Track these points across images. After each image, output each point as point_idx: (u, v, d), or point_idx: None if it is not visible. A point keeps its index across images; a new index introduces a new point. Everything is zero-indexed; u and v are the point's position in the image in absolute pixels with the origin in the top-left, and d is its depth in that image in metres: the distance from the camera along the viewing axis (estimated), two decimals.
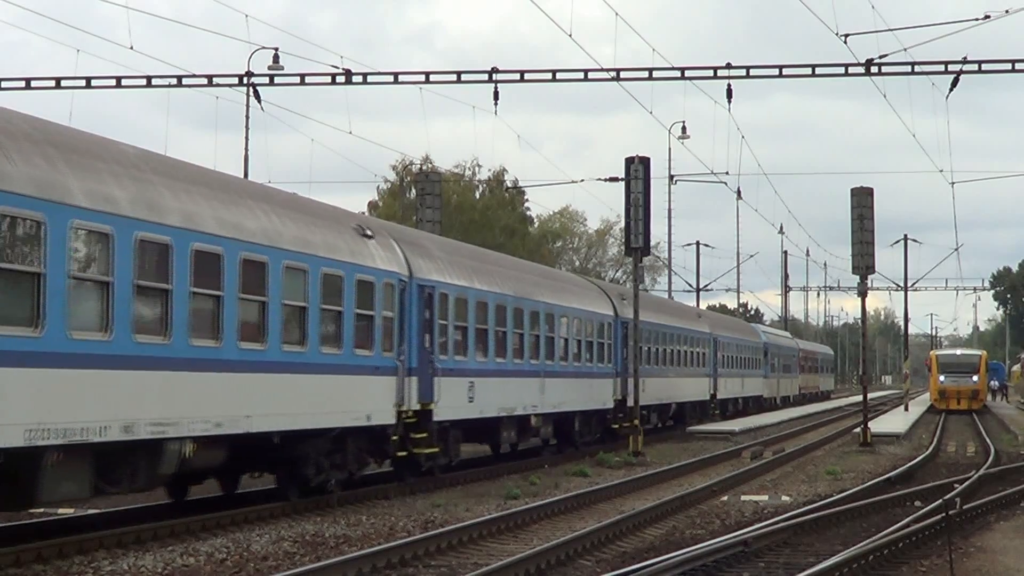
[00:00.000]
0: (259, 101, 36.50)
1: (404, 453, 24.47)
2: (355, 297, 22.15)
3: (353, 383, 22.16)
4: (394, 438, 23.83)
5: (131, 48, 33.31)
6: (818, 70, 33.48)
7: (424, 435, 24.94)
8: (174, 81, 34.53)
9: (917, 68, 32.75)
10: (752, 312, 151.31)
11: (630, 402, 37.61)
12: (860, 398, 44.64)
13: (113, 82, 34.06)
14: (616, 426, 38.08)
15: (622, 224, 47.46)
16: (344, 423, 21.86)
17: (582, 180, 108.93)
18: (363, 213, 64.25)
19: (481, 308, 28.21)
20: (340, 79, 33.81)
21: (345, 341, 21.83)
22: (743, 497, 24.68)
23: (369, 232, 23.56)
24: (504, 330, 29.57)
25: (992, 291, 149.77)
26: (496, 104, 33.69)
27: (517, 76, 34.12)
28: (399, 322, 23.87)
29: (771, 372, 70.86)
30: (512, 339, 30.10)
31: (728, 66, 33.43)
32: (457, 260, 28.14)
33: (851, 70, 33.14)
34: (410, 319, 24.40)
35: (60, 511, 20.17)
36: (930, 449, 37.55)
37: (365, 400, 22.56)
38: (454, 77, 34.36)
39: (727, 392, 57.46)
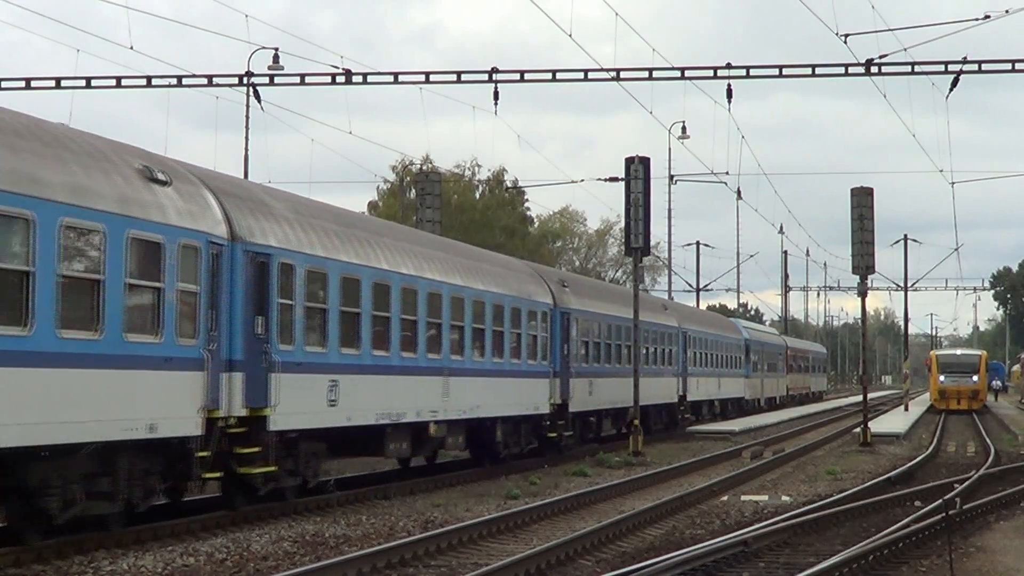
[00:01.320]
0: (259, 101, 36.56)
1: (219, 474, 19.04)
2: (129, 262, 16.27)
3: (119, 380, 16.14)
4: (202, 454, 18.01)
5: (131, 48, 33.34)
6: (818, 70, 33.49)
7: (256, 449, 19.47)
8: (174, 81, 34.54)
9: (917, 68, 32.76)
10: (752, 312, 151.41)
11: (573, 407, 33.92)
12: (858, 398, 44.63)
13: (113, 82, 34.07)
14: (553, 435, 32.80)
15: (622, 224, 47.17)
16: (109, 436, 16.03)
17: (582, 180, 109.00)
18: (363, 213, 64.27)
19: (351, 287, 22.37)
20: (340, 79, 33.82)
21: (108, 323, 15.83)
22: (743, 497, 24.67)
23: (162, 176, 17.65)
24: (387, 315, 23.54)
25: (992, 291, 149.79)
26: (496, 104, 33.75)
27: (517, 76, 34.14)
28: (209, 298, 18.06)
29: (753, 371, 65.24)
30: (400, 328, 24.06)
31: (728, 66, 33.44)
32: (316, 224, 22.11)
33: (851, 70, 33.16)
34: (231, 295, 18.75)
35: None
36: (930, 449, 37.55)
37: (146, 403, 16.58)
38: (454, 77, 34.38)
39: (700, 394, 51.69)
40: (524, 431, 31.58)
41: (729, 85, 33.65)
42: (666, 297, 71.42)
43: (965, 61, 32.60)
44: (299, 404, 20.46)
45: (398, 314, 24.07)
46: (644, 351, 41.14)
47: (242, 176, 43.21)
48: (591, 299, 37.67)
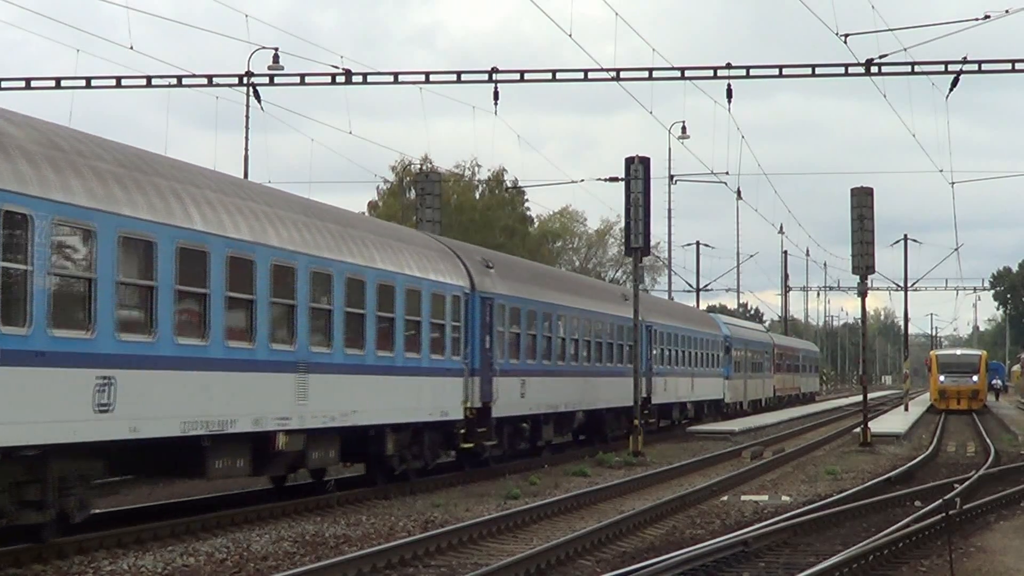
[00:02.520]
0: (259, 101, 36.54)
1: None
2: None
3: None
4: None
5: (131, 48, 33.30)
6: (818, 70, 33.49)
7: None
8: (174, 81, 34.53)
9: (917, 68, 32.76)
10: (752, 312, 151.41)
11: (498, 411, 28.61)
12: (857, 398, 44.61)
13: (113, 82, 34.07)
14: (469, 445, 27.45)
15: (622, 224, 47.01)
16: None
17: (582, 180, 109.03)
18: (363, 213, 64.28)
19: (133, 250, 16.49)
20: (340, 79, 33.82)
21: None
22: (743, 497, 24.67)
23: None
24: (203, 292, 17.87)
25: (992, 291, 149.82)
26: (496, 104, 33.74)
27: (517, 76, 34.13)
28: None
29: (735, 371, 59.95)
30: (224, 308, 18.38)
31: (728, 66, 33.44)
32: (85, 162, 16.25)
33: (851, 70, 33.15)
34: None
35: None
36: (930, 449, 37.55)
37: None
38: (454, 77, 34.37)
39: (669, 395, 45.67)
40: (430, 441, 25.92)
41: (729, 85, 33.66)
42: (666, 297, 71.32)
43: (965, 61, 32.61)
44: (50, 410, 14.96)
45: (222, 291, 18.32)
46: (596, 346, 37.00)
47: (242, 176, 43.19)
48: (525, 283, 31.98)
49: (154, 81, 34.09)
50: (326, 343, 21.29)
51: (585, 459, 32.93)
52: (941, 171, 76.95)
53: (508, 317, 29.81)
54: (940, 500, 18.97)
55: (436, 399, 25.75)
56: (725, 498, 24.52)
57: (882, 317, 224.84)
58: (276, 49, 39.20)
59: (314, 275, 20.87)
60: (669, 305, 57.53)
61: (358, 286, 22.38)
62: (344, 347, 21.82)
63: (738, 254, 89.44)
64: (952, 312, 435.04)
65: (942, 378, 72.49)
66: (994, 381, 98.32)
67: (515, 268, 33.54)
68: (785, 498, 24.67)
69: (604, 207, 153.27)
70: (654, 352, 43.61)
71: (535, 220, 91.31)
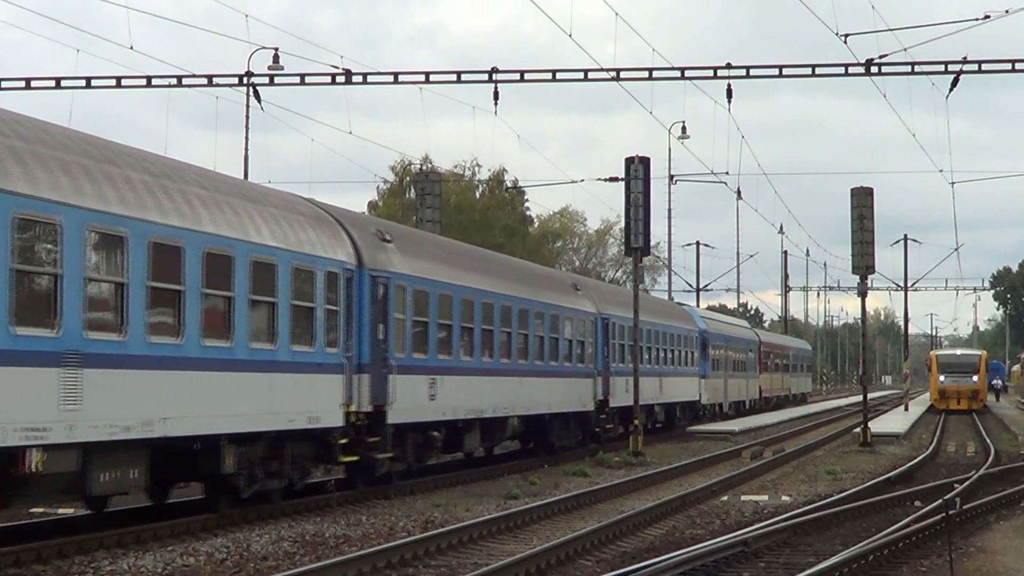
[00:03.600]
0: (259, 101, 36.55)
1: None
2: None
3: None
4: None
5: (131, 48, 33.31)
6: (818, 70, 33.51)
7: None
8: (174, 81, 34.54)
9: (917, 68, 32.77)
10: (752, 312, 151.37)
11: (396, 417, 23.63)
12: (857, 399, 44.59)
13: (113, 82, 34.07)
14: (351, 458, 22.35)
15: (622, 224, 46.82)
16: None
17: (582, 180, 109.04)
18: (364, 214, 64.27)
19: None
20: (340, 79, 33.83)
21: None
22: (743, 497, 24.67)
23: None
24: None
25: (992, 291, 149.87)
26: (496, 104, 33.75)
27: (517, 76, 34.14)
28: None
29: (713, 370, 53.89)
30: None
31: (728, 66, 33.45)
32: None
33: (851, 70, 33.17)
34: None
35: (60, 511, 20.17)
36: (930, 449, 37.54)
37: None
38: (454, 77, 34.39)
39: (630, 397, 37.40)
40: (295, 454, 20.98)
41: (729, 85, 33.69)
42: (666, 297, 71.11)
43: (965, 61, 32.62)
44: None
45: None
46: (536, 340, 31.57)
47: (242, 176, 43.18)
48: (437, 263, 26.66)
49: (154, 81, 34.11)
50: (116, 328, 16.17)
51: (585, 459, 32.92)
52: (941, 171, 76.89)
53: (411, 302, 24.50)
54: (940, 500, 18.95)
55: (302, 401, 20.64)
56: (725, 498, 24.52)
57: (882, 317, 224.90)
58: (276, 49, 39.25)
59: (102, 238, 15.98)
60: (631, 295, 45.26)
61: (175, 253, 17.30)
62: (147, 334, 16.68)
63: (738, 254, 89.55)
64: (952, 312, 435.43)
65: (942, 378, 72.50)
66: (995, 381, 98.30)
67: (425, 244, 28.21)
68: (785, 498, 24.66)
69: (604, 207, 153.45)
70: (612, 348, 37.76)
71: (535, 220, 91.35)
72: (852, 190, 40.26)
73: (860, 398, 44.60)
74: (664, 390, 44.65)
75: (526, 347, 31.09)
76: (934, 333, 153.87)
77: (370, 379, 22.67)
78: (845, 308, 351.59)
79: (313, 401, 20.95)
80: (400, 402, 23.80)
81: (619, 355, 38.79)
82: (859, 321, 69.53)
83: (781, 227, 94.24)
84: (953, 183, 64.60)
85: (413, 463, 25.21)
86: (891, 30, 33.20)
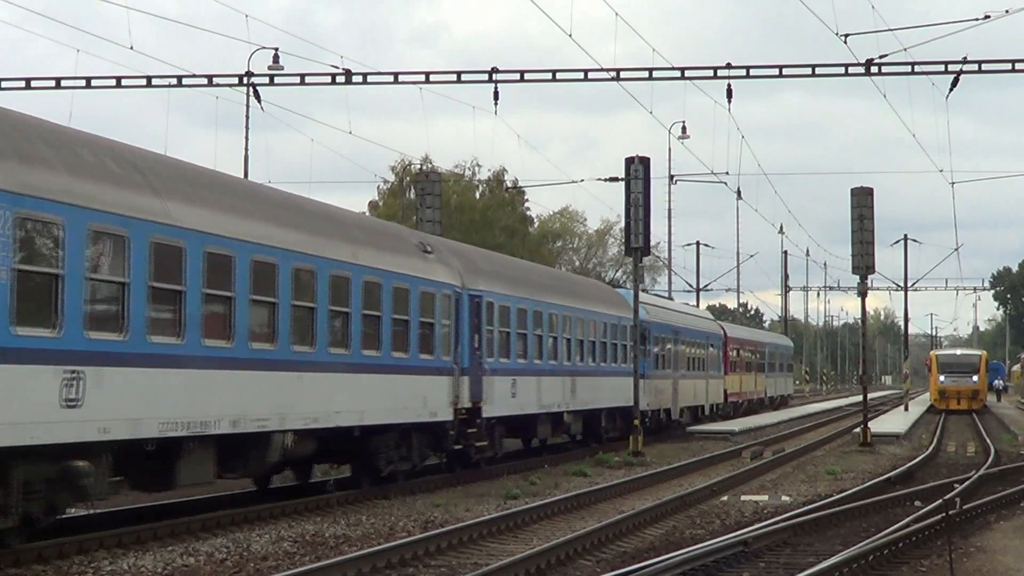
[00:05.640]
0: (259, 101, 36.53)
1: None
2: None
3: None
4: None
5: (131, 48, 33.31)
6: (818, 70, 33.50)
7: None
8: (174, 81, 34.53)
9: (917, 68, 32.77)
10: (752, 312, 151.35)
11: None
12: (857, 399, 44.60)
13: (113, 82, 34.07)
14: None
15: (622, 224, 46.48)
16: None
17: (582, 180, 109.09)
18: (364, 214, 64.29)
19: None
20: (340, 79, 33.82)
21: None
22: (743, 497, 24.67)
23: None
24: None
25: (992, 291, 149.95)
26: (496, 104, 33.75)
27: (517, 76, 34.14)
28: None
29: (657, 368, 43.60)
30: None
31: (728, 66, 33.45)
32: None
33: (851, 70, 33.17)
34: None
35: (69, 510, 20.14)
36: (930, 449, 37.55)
37: None
38: (454, 77, 34.38)
39: (516, 404, 30.01)
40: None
41: (729, 85, 33.68)
42: (666, 297, 70.72)
43: (965, 61, 32.62)
44: None
45: None
46: (332, 325, 21.84)
47: (242, 175, 43.19)
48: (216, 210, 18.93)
49: (154, 81, 34.11)
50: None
51: (585, 459, 32.92)
52: (941, 171, 77.26)
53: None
54: (940, 500, 18.97)
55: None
56: (725, 498, 24.52)
57: (882, 317, 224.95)
58: (276, 49, 39.23)
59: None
60: (524, 267, 36.92)
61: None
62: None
63: (738, 254, 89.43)
64: (952, 312, 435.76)
65: (942, 378, 72.54)
66: (996, 382, 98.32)
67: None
68: (785, 498, 24.66)
69: (604, 207, 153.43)
70: (483, 335, 28.00)
71: (535, 220, 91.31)
72: (852, 190, 40.27)
73: (860, 398, 44.60)
74: (577, 393, 34.70)
75: (310, 328, 21.00)
76: (934, 333, 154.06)
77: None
78: (845, 308, 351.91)
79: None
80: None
81: (500, 346, 28.97)
82: (859, 321, 69.23)
83: (781, 227, 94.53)
84: (953, 183, 64.96)
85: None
86: (891, 30, 33.27)
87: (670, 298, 69.33)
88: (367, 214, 69.66)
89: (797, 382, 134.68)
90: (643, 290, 49.47)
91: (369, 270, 22.88)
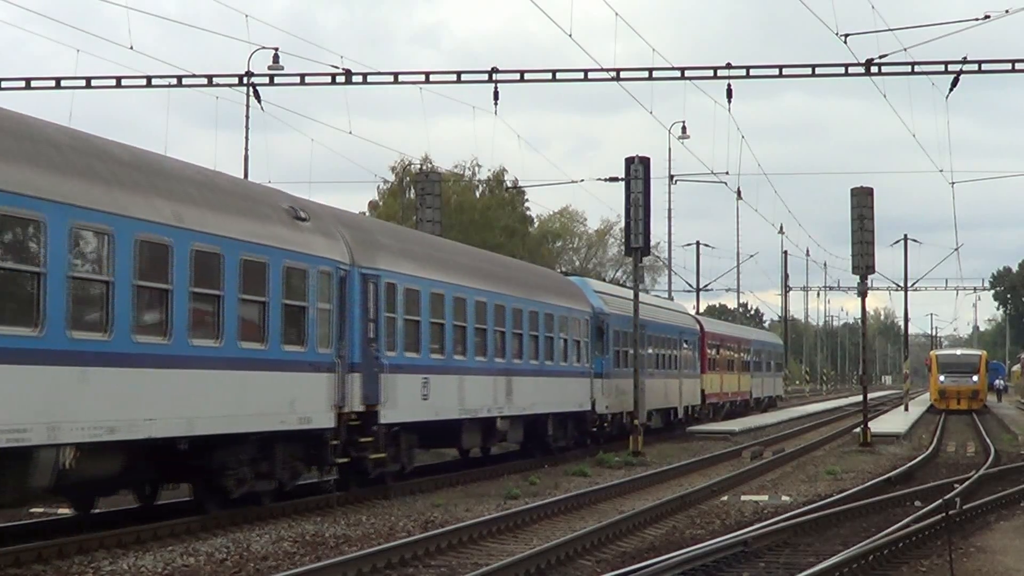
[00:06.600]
0: (259, 101, 36.55)
1: None
2: None
3: None
4: None
5: (131, 48, 33.31)
6: (818, 70, 33.52)
7: None
8: (174, 81, 34.54)
9: (917, 68, 32.78)
10: (752, 311, 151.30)
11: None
12: (857, 399, 44.58)
13: (113, 82, 34.08)
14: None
15: (622, 224, 46.36)
16: None
17: (582, 180, 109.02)
18: (364, 214, 64.28)
19: None
20: (340, 79, 33.84)
21: None
22: (743, 497, 24.67)
23: None
24: None
25: (992, 291, 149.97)
26: (496, 104, 33.76)
27: (517, 76, 34.15)
28: None
29: (619, 367, 38.50)
30: None
31: (728, 66, 33.46)
32: None
33: (851, 70, 33.17)
34: None
35: (60, 511, 20.17)
36: (930, 449, 37.55)
37: None
38: (454, 77, 34.40)
39: (437, 406, 25.66)
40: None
41: (729, 85, 33.71)
42: (666, 298, 70.67)
43: (965, 61, 32.63)
44: None
45: None
46: (140, 306, 17.16)
47: (242, 175, 43.17)
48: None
49: (154, 81, 34.13)
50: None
51: (585, 459, 32.92)
52: (941, 171, 77.12)
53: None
54: (940, 500, 18.96)
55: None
56: (725, 498, 24.51)
57: (882, 317, 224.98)
58: (276, 49, 39.23)
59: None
60: (441, 245, 30.41)
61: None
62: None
63: (738, 254, 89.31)
64: (952, 312, 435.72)
65: (942, 378, 72.57)
66: (996, 382, 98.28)
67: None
68: (785, 498, 24.66)
69: (604, 207, 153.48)
70: (380, 325, 23.31)
71: (535, 220, 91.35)
72: (852, 190, 40.27)
73: (860, 398, 44.60)
74: (517, 396, 30.09)
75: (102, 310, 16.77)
76: (934, 333, 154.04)
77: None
78: (845, 308, 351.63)
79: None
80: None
81: (406, 338, 24.51)
82: (859, 321, 69.09)
83: (781, 227, 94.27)
84: (953, 183, 64.99)
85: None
86: (891, 30, 33.26)
87: (670, 298, 69.38)
88: (367, 214, 69.69)
89: (797, 382, 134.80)
90: (643, 290, 48.53)
91: (202, 236, 17.87)
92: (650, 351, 42.38)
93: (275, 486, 20.46)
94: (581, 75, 34.39)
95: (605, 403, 36.89)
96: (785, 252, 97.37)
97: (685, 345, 48.78)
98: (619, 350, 38.84)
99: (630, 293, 39.24)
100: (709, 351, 53.85)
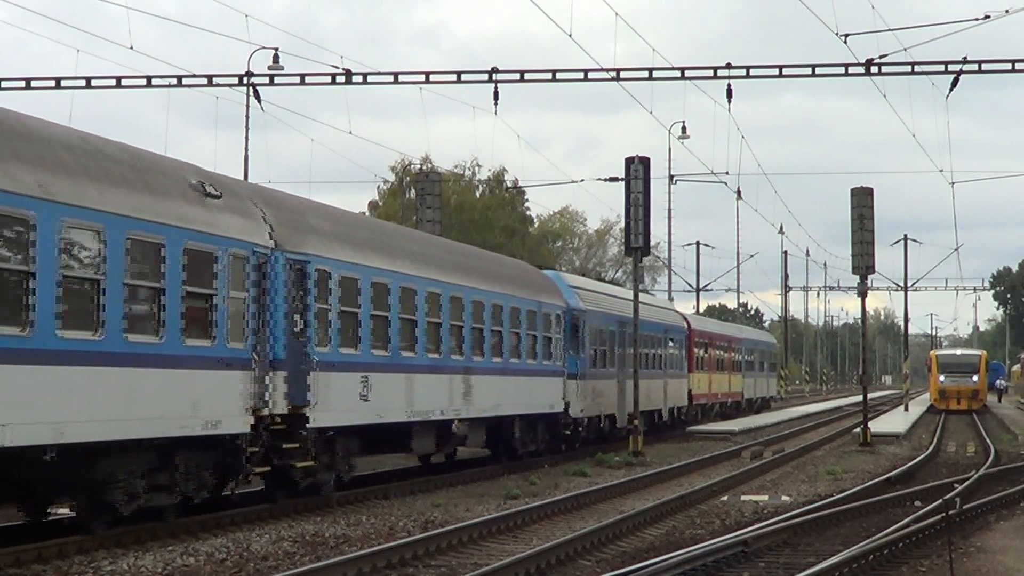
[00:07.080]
0: (259, 101, 36.53)
1: None
2: None
3: None
4: None
5: (131, 48, 33.30)
6: (818, 70, 33.50)
7: None
8: (174, 81, 34.53)
9: (917, 68, 32.77)
10: (752, 311, 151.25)
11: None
12: (857, 398, 44.58)
13: (113, 82, 34.06)
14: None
15: (622, 224, 46.26)
16: None
17: (582, 180, 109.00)
18: (363, 214, 64.26)
19: None
20: (340, 79, 33.82)
21: None
22: (743, 497, 24.67)
23: None
24: None
25: (992, 291, 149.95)
26: (496, 104, 33.75)
27: (517, 76, 34.14)
28: None
29: (595, 367, 36.16)
30: None
31: (728, 66, 33.44)
32: None
33: (851, 70, 33.16)
34: None
35: (60, 511, 20.17)
36: (930, 449, 37.56)
37: None
38: (454, 77, 34.38)
39: (376, 409, 23.21)
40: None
41: (729, 85, 33.67)
42: (666, 298, 70.68)
43: (965, 61, 32.62)
44: None
45: None
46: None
47: (242, 176, 43.17)
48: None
49: (154, 81, 34.09)
50: None
51: (585, 459, 32.92)
52: (941, 171, 77.06)
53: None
54: (940, 500, 18.95)
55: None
56: (725, 498, 24.52)
57: (882, 317, 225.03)
58: (276, 49, 39.22)
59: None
60: (391, 231, 28.43)
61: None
62: None
63: (738, 254, 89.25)
64: (952, 312, 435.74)
65: (942, 378, 72.58)
66: (997, 382, 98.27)
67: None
68: (785, 498, 24.66)
69: (604, 207, 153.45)
70: (309, 316, 20.77)
71: (535, 220, 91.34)
72: (852, 190, 40.29)
73: (860, 398, 44.60)
74: (478, 397, 27.81)
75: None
76: (934, 333, 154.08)
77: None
78: (845, 308, 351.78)
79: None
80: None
81: (341, 332, 22.05)
82: (859, 321, 69.06)
83: (781, 227, 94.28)
84: (953, 183, 64.85)
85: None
86: (891, 30, 33.22)
87: (670, 298, 69.35)
88: (367, 214, 69.70)
89: (797, 382, 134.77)
90: (643, 290, 48.09)
91: (77, 210, 15.41)
92: (643, 352, 39.43)
93: (178, 499, 18.07)
94: (581, 75, 34.38)
95: (580, 406, 34.45)
96: (785, 252, 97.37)
97: (671, 343, 46.23)
98: (597, 349, 36.32)
99: (608, 288, 37.47)
100: (697, 350, 51.29)
